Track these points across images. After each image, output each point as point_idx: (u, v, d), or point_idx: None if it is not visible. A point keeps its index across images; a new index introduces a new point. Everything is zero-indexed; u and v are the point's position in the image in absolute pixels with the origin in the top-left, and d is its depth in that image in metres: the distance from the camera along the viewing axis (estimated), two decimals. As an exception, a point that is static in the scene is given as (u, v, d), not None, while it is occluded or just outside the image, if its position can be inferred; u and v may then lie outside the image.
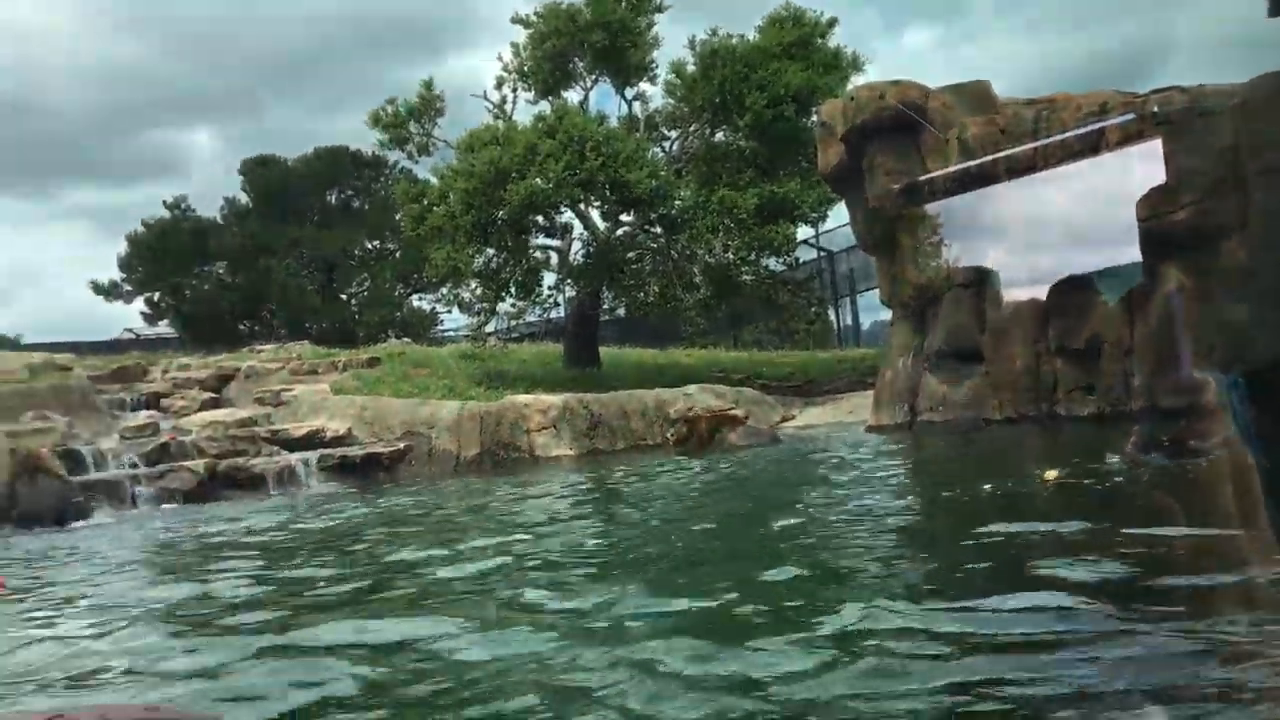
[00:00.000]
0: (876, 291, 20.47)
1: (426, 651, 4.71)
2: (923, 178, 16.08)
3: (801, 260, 29.58)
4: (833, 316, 34.40)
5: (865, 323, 34.97)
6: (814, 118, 21.12)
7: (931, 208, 16.33)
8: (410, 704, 3.97)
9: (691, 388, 20.92)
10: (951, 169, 15.64)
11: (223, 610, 6.37)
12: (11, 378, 20.30)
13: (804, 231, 28.66)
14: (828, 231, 32.49)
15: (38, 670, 5.11)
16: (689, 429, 18.13)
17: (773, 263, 24.84)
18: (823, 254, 34.20)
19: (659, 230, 24.09)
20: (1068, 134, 14.37)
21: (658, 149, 25.61)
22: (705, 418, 18.25)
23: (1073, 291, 14.48)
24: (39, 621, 6.67)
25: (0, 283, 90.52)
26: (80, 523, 14.35)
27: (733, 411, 18.65)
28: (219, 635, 5.59)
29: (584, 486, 13.66)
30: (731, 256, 23.82)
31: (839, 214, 25.26)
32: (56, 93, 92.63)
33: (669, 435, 18.73)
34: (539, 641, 4.67)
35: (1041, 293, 14.96)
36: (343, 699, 4.09)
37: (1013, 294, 15.50)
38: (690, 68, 25.11)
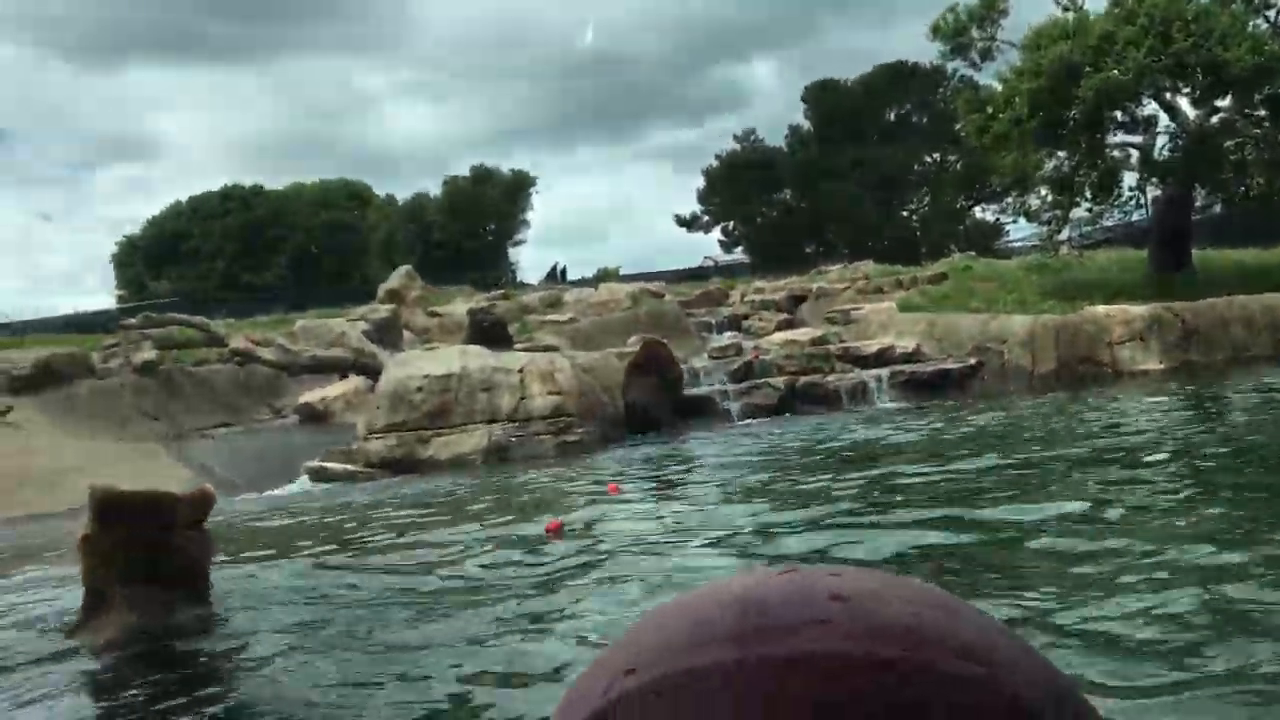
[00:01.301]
0: None
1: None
2: None
3: None
4: None
5: None
6: None
7: None
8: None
9: (1309, 291, 18.25)
10: None
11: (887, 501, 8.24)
12: (619, 306, 23.71)
13: None
14: None
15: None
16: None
17: None
18: None
19: (1264, 113, 21.18)
20: None
21: (1261, 20, 22.35)
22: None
23: None
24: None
25: (600, 220, 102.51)
26: (704, 430, 16.01)
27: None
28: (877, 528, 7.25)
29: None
30: (1360, 136, 20.27)
31: None
32: (632, 44, 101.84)
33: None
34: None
35: None
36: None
37: None
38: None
